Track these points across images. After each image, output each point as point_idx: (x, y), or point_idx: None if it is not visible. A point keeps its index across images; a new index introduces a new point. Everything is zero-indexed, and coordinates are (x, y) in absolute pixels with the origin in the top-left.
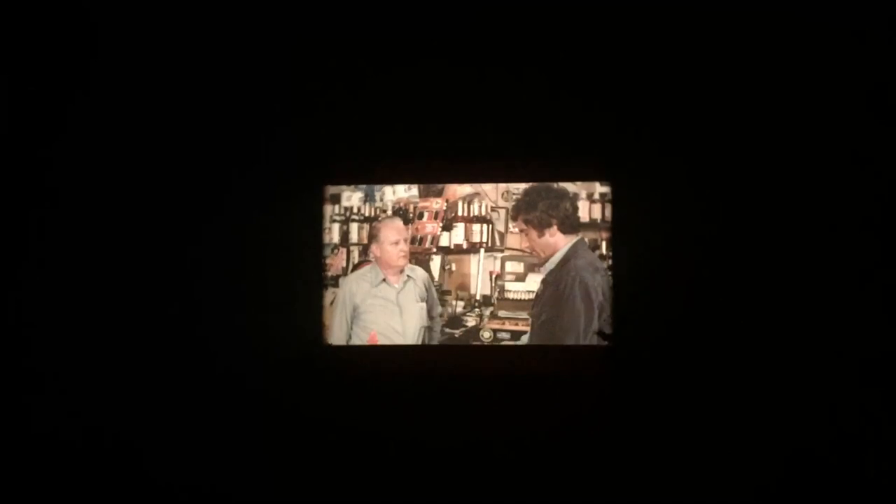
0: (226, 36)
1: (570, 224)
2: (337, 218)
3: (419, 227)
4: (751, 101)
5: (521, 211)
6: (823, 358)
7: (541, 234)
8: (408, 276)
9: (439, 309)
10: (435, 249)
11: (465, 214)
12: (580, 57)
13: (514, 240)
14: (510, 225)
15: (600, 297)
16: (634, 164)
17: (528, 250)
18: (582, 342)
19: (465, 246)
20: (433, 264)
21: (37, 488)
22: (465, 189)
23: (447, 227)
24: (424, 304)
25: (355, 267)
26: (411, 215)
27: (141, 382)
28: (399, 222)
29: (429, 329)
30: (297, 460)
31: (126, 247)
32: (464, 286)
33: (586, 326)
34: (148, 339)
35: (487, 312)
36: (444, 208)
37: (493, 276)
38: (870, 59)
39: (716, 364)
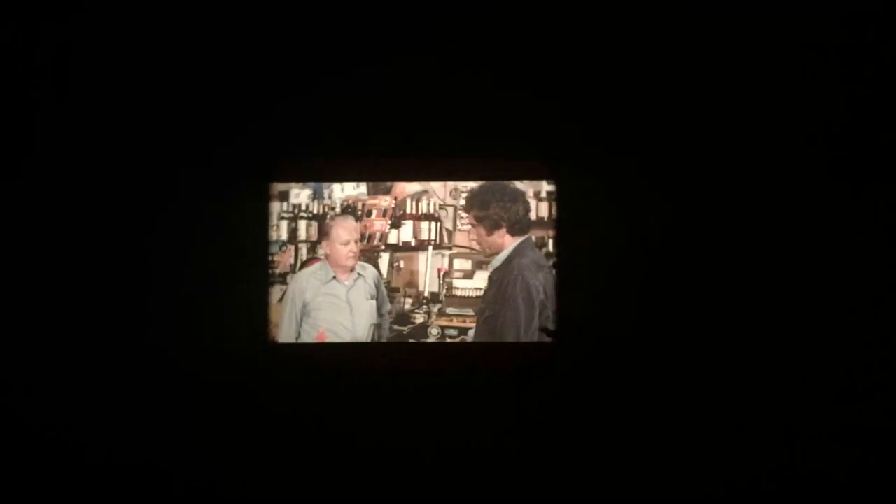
0: (173, 32)
1: (519, 226)
2: (285, 215)
3: (368, 224)
4: (699, 96)
5: (474, 207)
6: (771, 351)
7: (489, 233)
8: (358, 273)
9: (388, 307)
10: (383, 247)
11: (414, 212)
12: (525, 53)
13: (463, 237)
14: (459, 219)
15: (542, 296)
16: (580, 161)
17: (475, 245)
18: (523, 339)
19: (413, 243)
20: (382, 262)
21: None
22: (414, 187)
23: (396, 225)
24: (374, 302)
25: (303, 264)
26: (360, 213)
27: (88, 380)
28: (351, 221)
29: (378, 326)
30: (247, 456)
31: (70, 245)
32: (412, 283)
33: (527, 324)
34: (95, 338)
35: (435, 309)
36: (393, 206)
37: (442, 274)
38: (824, 51)
39: (662, 359)
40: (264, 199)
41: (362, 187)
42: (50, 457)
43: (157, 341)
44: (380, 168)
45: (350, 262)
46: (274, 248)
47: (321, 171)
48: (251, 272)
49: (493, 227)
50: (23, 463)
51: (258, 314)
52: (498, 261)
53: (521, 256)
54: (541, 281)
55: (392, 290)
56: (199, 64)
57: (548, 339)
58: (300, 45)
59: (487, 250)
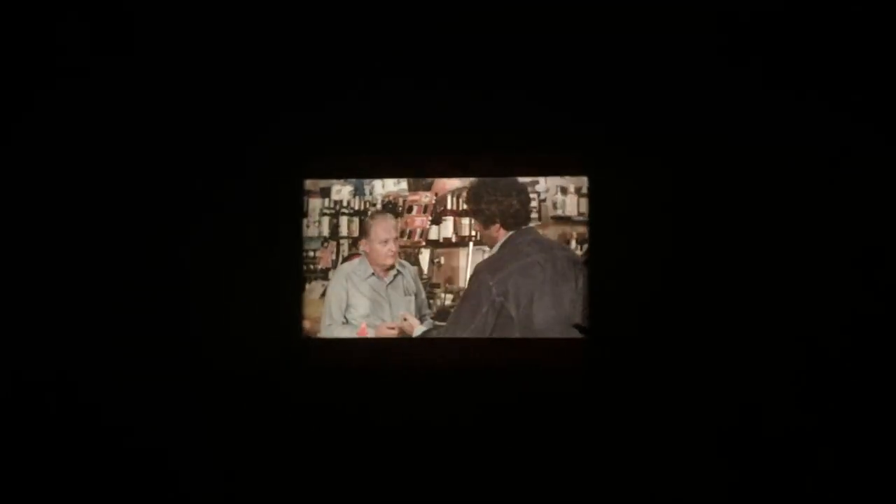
0: (206, 32)
1: (513, 220)
2: (327, 211)
3: (409, 220)
4: (725, 96)
5: (470, 202)
6: (799, 350)
7: (486, 227)
8: (398, 270)
9: (428, 311)
10: (424, 243)
11: (454, 208)
12: (555, 50)
13: None
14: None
15: (495, 295)
16: (613, 158)
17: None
18: (459, 334)
19: (454, 239)
20: (422, 258)
21: (32, 482)
22: (455, 183)
23: (436, 221)
24: (413, 299)
25: (344, 260)
26: (401, 209)
27: (126, 377)
28: (390, 220)
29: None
30: (285, 453)
31: (110, 244)
32: (452, 279)
33: (466, 321)
34: (134, 336)
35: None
36: (434, 202)
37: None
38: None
39: (692, 359)
40: (298, 195)
41: (403, 183)
42: (84, 449)
43: (192, 338)
44: (412, 165)
45: (389, 261)
46: (315, 244)
47: (354, 168)
48: (285, 268)
49: (487, 221)
50: (57, 456)
51: (292, 310)
52: (494, 250)
53: (506, 247)
54: (507, 277)
55: (433, 286)
56: (235, 63)
57: (580, 336)
58: (337, 44)
59: (487, 244)
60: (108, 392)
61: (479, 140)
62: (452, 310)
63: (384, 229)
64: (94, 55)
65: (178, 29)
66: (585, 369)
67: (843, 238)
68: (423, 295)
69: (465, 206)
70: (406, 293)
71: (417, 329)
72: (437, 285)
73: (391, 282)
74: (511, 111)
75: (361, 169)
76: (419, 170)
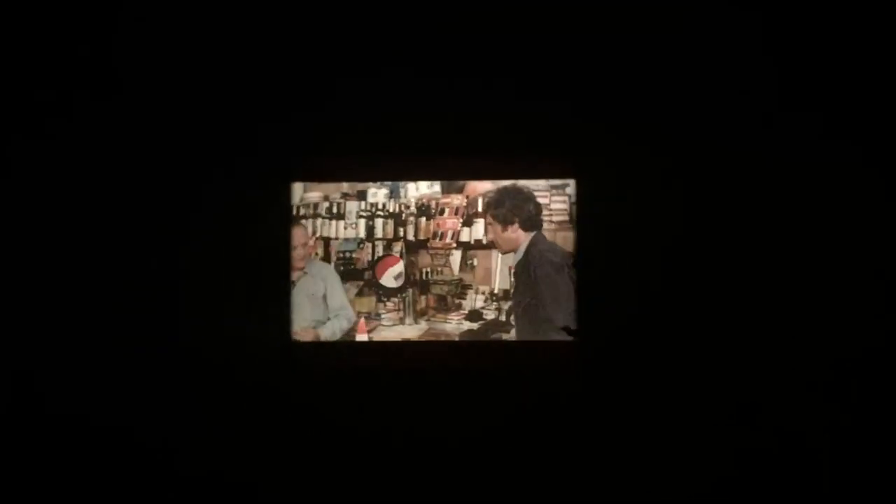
0: (198, 35)
1: (531, 223)
2: (363, 214)
3: (440, 223)
4: (718, 97)
5: (490, 207)
6: (790, 350)
7: (504, 230)
8: (304, 272)
9: (341, 302)
10: (455, 244)
11: (485, 211)
12: (546, 53)
13: None
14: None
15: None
16: (601, 160)
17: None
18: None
19: (484, 241)
20: (453, 259)
21: (30, 482)
22: (486, 185)
23: (468, 223)
24: (315, 299)
25: (378, 260)
26: (433, 211)
27: (119, 377)
28: (301, 229)
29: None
30: (282, 454)
31: (104, 246)
32: (484, 280)
33: (566, 298)
34: (128, 337)
35: (506, 306)
36: (465, 204)
37: (512, 271)
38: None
39: (682, 356)
40: (285, 198)
41: (436, 186)
42: (79, 450)
43: (184, 339)
44: (403, 168)
45: (299, 264)
46: (352, 246)
47: (344, 171)
48: (273, 270)
49: (506, 223)
50: (56, 457)
51: (280, 312)
52: (519, 254)
53: (538, 244)
54: (560, 260)
55: (464, 287)
56: (227, 68)
57: (569, 338)
58: (326, 46)
59: (503, 247)
60: (108, 392)
61: (468, 143)
62: (523, 305)
63: (295, 236)
64: (89, 59)
65: (172, 32)
66: (578, 371)
67: (838, 237)
68: (340, 295)
69: (484, 209)
70: (310, 295)
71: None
72: (469, 286)
73: (294, 286)
74: (501, 114)
75: (350, 172)
76: (408, 173)
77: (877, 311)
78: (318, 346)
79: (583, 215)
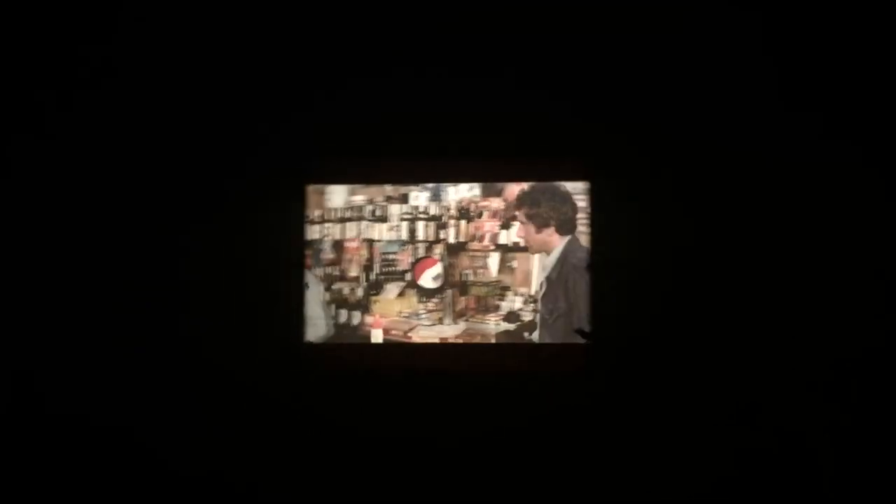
0: (209, 39)
1: (567, 226)
2: (405, 216)
3: (479, 225)
4: (732, 102)
5: (525, 206)
6: (800, 353)
7: (538, 231)
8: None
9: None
10: (493, 247)
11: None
12: (562, 58)
13: None
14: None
15: None
16: (616, 164)
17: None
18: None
19: (522, 244)
20: (491, 261)
21: (30, 481)
22: (524, 188)
23: (505, 226)
24: None
25: (417, 262)
26: (472, 214)
27: (130, 377)
28: None
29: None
30: (287, 455)
31: (112, 246)
32: (523, 283)
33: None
34: (135, 337)
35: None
36: (503, 207)
37: (544, 275)
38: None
39: (696, 361)
40: (299, 200)
41: (476, 189)
42: (88, 449)
43: (192, 339)
44: (417, 169)
45: None
46: (395, 248)
47: (357, 173)
48: (287, 271)
49: (542, 225)
50: (55, 457)
51: (293, 314)
52: (552, 259)
53: (574, 252)
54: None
55: (503, 289)
56: (240, 70)
57: (583, 341)
58: (341, 49)
59: (535, 248)
60: (109, 392)
61: (482, 144)
62: (556, 314)
63: None
64: (97, 60)
65: (178, 34)
66: (589, 374)
67: (838, 237)
68: (314, 305)
69: (516, 206)
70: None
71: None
72: (508, 287)
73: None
74: (514, 116)
75: (362, 174)
76: (425, 174)
77: (877, 311)
78: (334, 348)
79: (596, 217)
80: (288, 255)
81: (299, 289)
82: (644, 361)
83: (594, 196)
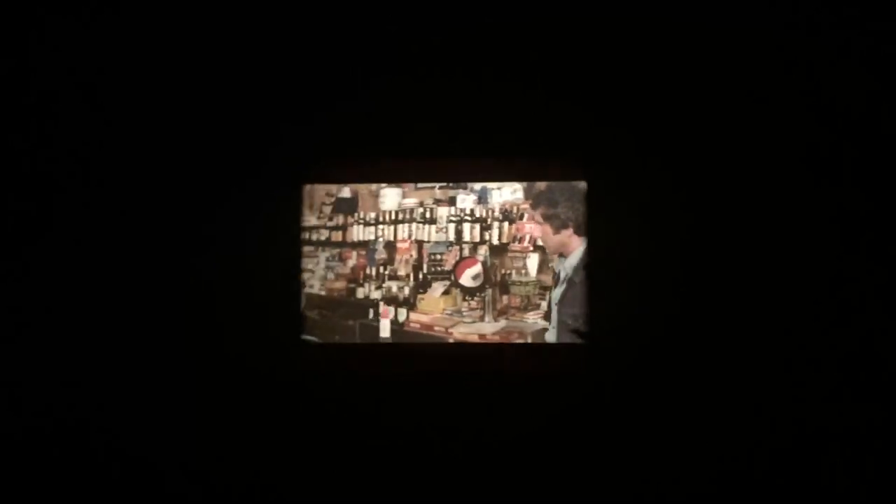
0: (209, 39)
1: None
2: (452, 218)
3: (519, 227)
4: (729, 99)
5: (541, 205)
6: (802, 353)
7: (556, 232)
8: None
9: None
10: (532, 248)
11: None
12: (556, 55)
13: None
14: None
15: None
16: (611, 162)
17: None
18: None
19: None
20: (530, 261)
21: (32, 478)
22: None
23: None
24: None
25: (459, 262)
26: (514, 216)
27: (130, 378)
28: None
29: None
30: (288, 455)
31: (113, 248)
32: None
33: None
34: (136, 338)
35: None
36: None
37: (565, 277)
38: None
39: (694, 361)
40: (297, 199)
41: (519, 192)
42: (85, 450)
43: (196, 339)
44: (412, 169)
45: None
46: (441, 248)
47: (353, 173)
48: (285, 272)
49: (560, 226)
50: (56, 458)
51: (291, 313)
52: (573, 260)
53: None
54: None
55: (543, 289)
56: (238, 71)
57: (579, 341)
58: (337, 48)
59: (552, 249)
60: (111, 392)
61: (476, 144)
62: (579, 320)
63: None
64: (97, 61)
65: (178, 34)
66: (587, 374)
67: (838, 237)
68: None
69: (532, 206)
70: None
71: None
72: (547, 288)
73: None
74: (509, 115)
75: (361, 174)
76: (421, 174)
77: (877, 311)
78: (330, 347)
79: (593, 216)
80: (285, 252)
81: (296, 288)
82: (644, 361)
83: (590, 194)
